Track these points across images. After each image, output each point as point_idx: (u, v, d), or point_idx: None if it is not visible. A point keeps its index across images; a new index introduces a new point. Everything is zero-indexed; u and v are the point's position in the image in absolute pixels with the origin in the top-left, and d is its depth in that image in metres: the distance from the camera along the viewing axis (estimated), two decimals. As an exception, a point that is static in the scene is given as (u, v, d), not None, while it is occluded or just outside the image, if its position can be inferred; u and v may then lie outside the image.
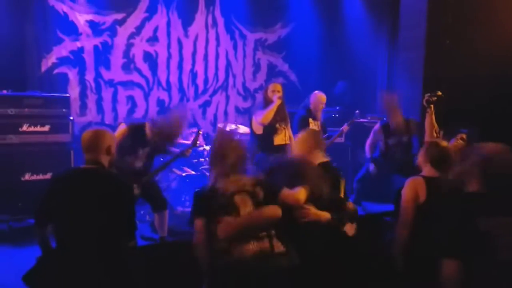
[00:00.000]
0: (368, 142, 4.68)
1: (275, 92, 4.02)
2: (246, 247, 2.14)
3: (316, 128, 4.64)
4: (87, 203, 2.07)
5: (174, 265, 2.98)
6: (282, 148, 4.08)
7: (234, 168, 2.30)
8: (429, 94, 3.43)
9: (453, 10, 5.02)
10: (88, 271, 2.03)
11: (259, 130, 4.06)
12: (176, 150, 3.60)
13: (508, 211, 1.93)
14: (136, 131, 3.31)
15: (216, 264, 2.18)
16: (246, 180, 2.32)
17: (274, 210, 2.25)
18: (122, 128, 3.34)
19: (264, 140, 4.06)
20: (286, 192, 2.36)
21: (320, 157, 2.77)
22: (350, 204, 2.79)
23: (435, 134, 3.41)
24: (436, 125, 3.46)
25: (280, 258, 2.18)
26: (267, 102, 4.05)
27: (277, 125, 4.06)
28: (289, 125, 4.22)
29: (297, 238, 2.37)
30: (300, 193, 2.36)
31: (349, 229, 2.75)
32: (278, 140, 4.08)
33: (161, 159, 3.80)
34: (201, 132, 3.66)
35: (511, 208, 1.95)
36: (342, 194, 2.73)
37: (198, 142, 3.64)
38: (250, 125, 4.18)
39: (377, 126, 4.65)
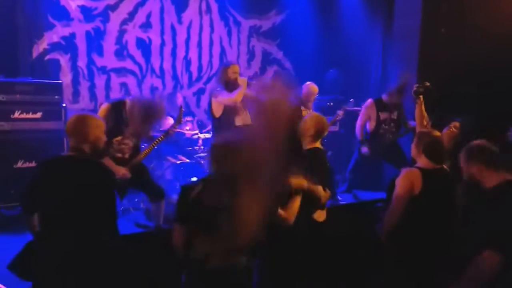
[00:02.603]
0: (359, 122, 4.72)
1: (237, 73, 3.97)
2: (222, 260, 2.00)
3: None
4: (67, 191, 2.04)
5: (169, 252, 2.99)
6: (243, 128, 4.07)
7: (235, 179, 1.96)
8: (417, 85, 3.48)
9: (449, -2, 5.02)
10: (70, 259, 2.02)
11: (218, 112, 4.01)
12: (157, 135, 3.56)
13: None
14: (117, 108, 3.27)
15: (193, 265, 2.08)
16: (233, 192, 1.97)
17: (256, 234, 1.99)
18: (103, 107, 3.29)
19: (224, 121, 4.03)
20: (281, 213, 2.14)
21: (315, 143, 2.78)
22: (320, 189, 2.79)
23: (425, 123, 3.44)
24: (426, 115, 3.49)
25: (250, 273, 2.11)
26: (228, 83, 3.95)
27: (238, 104, 4.02)
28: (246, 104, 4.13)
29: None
30: (293, 212, 2.20)
31: (318, 214, 2.77)
32: (239, 121, 4.06)
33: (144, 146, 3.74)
34: (183, 110, 3.62)
35: None
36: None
37: (182, 120, 3.61)
38: (209, 107, 4.10)
39: (368, 102, 4.69)
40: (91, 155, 2.16)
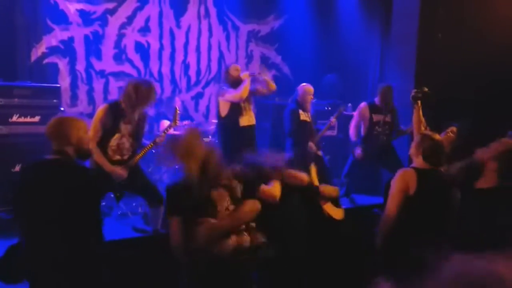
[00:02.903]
0: (353, 124, 4.76)
1: (239, 71, 4.20)
2: (226, 242, 2.11)
3: (307, 119, 4.67)
4: (48, 195, 2.00)
5: (167, 257, 2.98)
6: (248, 129, 4.14)
7: (207, 163, 2.20)
8: (415, 90, 3.49)
9: (445, 3, 5.05)
10: (54, 264, 2.00)
11: (224, 111, 4.13)
12: (147, 142, 3.58)
13: None
14: (114, 107, 3.29)
15: (196, 260, 2.14)
16: (222, 173, 2.24)
17: (253, 205, 2.23)
18: (100, 108, 3.31)
19: (229, 122, 4.12)
20: (263, 188, 2.41)
21: None
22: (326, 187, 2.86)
23: (423, 128, 3.45)
24: (423, 120, 3.50)
25: (260, 250, 2.19)
26: (233, 82, 4.17)
27: (242, 105, 4.14)
28: (251, 105, 4.30)
29: (277, 225, 2.41)
30: (276, 189, 2.44)
31: (334, 211, 2.82)
32: (243, 121, 4.13)
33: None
34: (178, 111, 3.65)
35: None
36: (315, 181, 2.84)
37: (177, 122, 3.63)
38: (217, 108, 4.25)
39: (362, 104, 4.73)
40: (75, 158, 2.11)
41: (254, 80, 4.25)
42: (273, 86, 4.36)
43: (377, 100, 4.68)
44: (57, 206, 1.99)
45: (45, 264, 2.01)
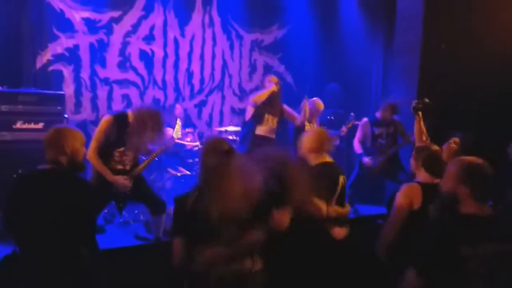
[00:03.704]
0: (356, 138, 4.81)
1: (272, 81, 4.27)
2: (227, 267, 2.05)
3: (311, 130, 4.69)
4: (40, 205, 1.99)
5: (169, 265, 2.97)
6: (264, 139, 4.14)
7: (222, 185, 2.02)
8: (416, 101, 3.50)
9: (449, 15, 5.07)
10: (44, 275, 1.98)
11: (248, 115, 4.21)
12: (155, 148, 3.57)
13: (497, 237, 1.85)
14: (119, 120, 3.26)
15: (196, 281, 2.09)
16: (232, 197, 2.00)
17: (258, 237, 2.08)
18: (105, 118, 3.26)
19: (248, 127, 4.14)
20: (276, 215, 2.16)
21: (320, 158, 2.76)
22: (341, 208, 2.79)
23: (424, 139, 3.45)
24: (425, 130, 3.50)
25: (259, 276, 2.11)
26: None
27: (266, 115, 4.17)
28: (276, 119, 4.33)
29: (281, 247, 2.26)
30: (286, 219, 2.20)
31: (338, 232, 2.75)
32: (260, 130, 4.13)
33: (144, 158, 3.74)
34: (180, 123, 3.65)
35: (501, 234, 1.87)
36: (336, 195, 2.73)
37: (179, 133, 3.63)
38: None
39: (363, 120, 4.80)
40: (69, 168, 2.10)
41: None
42: (297, 120, 4.46)
43: (378, 114, 4.73)
44: (49, 216, 1.98)
45: (40, 273, 2.00)
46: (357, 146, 4.78)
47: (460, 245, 1.80)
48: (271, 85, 4.19)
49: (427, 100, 3.45)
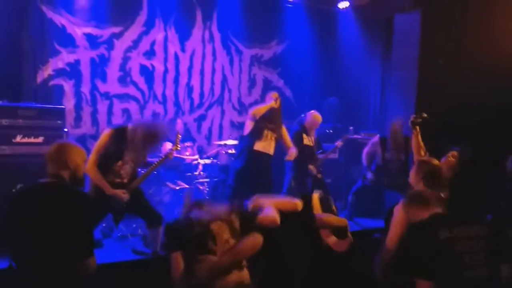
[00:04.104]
0: (365, 151, 4.76)
1: (272, 97, 4.26)
2: (227, 279, 2.07)
3: (310, 143, 4.71)
4: (41, 218, 1.99)
5: (167, 279, 2.95)
6: (261, 155, 4.11)
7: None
8: (414, 115, 3.50)
9: (446, 30, 5.14)
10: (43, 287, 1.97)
11: (247, 129, 4.16)
12: (154, 160, 3.58)
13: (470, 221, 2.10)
14: (119, 134, 3.27)
15: None
16: (220, 208, 2.22)
17: (255, 239, 2.16)
18: (106, 132, 3.28)
19: (246, 142, 4.11)
20: (261, 217, 2.29)
21: None
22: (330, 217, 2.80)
23: (422, 153, 3.45)
24: (423, 145, 3.50)
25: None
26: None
27: (265, 131, 4.13)
28: (275, 135, 4.25)
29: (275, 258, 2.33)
30: (275, 214, 2.32)
31: (338, 245, 2.74)
32: (259, 145, 4.11)
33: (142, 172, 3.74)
34: (180, 136, 3.66)
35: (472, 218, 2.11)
36: (317, 209, 2.75)
37: (179, 146, 3.63)
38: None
39: (375, 138, 4.74)
40: (70, 182, 2.13)
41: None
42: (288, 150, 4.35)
43: (388, 136, 4.61)
44: (49, 229, 1.98)
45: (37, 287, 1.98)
46: (365, 160, 4.71)
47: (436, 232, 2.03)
48: (271, 101, 4.19)
49: (425, 115, 3.46)
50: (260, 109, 4.15)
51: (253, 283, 2.17)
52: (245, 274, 2.13)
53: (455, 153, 3.36)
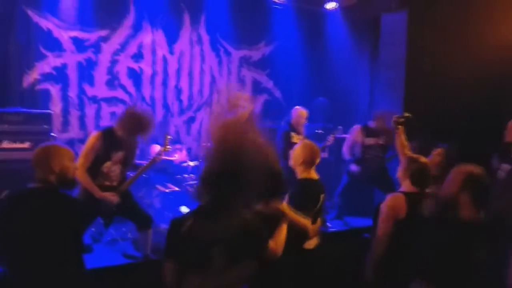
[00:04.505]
0: (345, 145, 4.83)
1: (239, 99, 4.10)
2: None
3: (299, 141, 4.71)
4: (29, 224, 1.96)
5: (158, 283, 2.94)
6: None
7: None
8: (396, 115, 3.54)
9: (432, 29, 5.19)
10: None
11: None
12: (143, 162, 3.57)
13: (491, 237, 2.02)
14: (107, 135, 3.28)
15: None
16: (227, 224, 1.91)
17: (247, 270, 1.96)
18: (93, 134, 3.29)
19: None
20: (271, 245, 2.04)
21: (307, 172, 2.72)
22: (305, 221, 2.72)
23: (406, 151, 3.48)
24: (407, 144, 3.54)
25: None
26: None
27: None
28: None
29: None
30: (280, 243, 2.12)
31: (309, 243, 2.71)
32: None
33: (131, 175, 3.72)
34: (169, 137, 3.65)
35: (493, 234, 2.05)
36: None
37: (168, 147, 3.62)
38: None
39: (356, 127, 4.81)
40: (59, 186, 2.09)
41: None
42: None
43: (371, 123, 4.73)
44: (38, 235, 1.96)
45: None
46: (346, 152, 4.79)
47: (467, 250, 1.93)
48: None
49: (407, 114, 3.51)
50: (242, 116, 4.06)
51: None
52: None
53: (440, 150, 3.39)
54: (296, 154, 2.76)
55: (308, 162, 2.71)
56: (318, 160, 2.78)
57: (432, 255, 2.01)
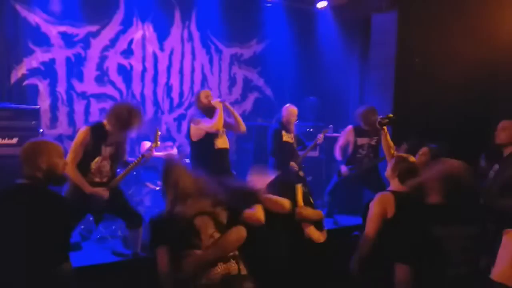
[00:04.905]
0: (337, 145, 4.84)
1: (209, 97, 4.04)
2: (213, 271, 2.11)
3: (290, 140, 4.73)
4: (16, 221, 1.94)
5: (147, 281, 2.92)
6: (224, 151, 4.09)
7: (189, 193, 2.23)
8: (380, 116, 3.57)
9: (422, 29, 5.24)
10: None
11: (198, 136, 4.00)
12: (133, 159, 3.54)
13: (464, 221, 2.19)
14: (96, 130, 3.25)
15: None
16: (205, 201, 2.24)
17: (239, 233, 2.22)
18: (82, 130, 3.25)
19: (204, 145, 4.03)
20: (247, 212, 2.38)
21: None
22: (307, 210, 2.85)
23: (392, 152, 3.52)
24: (392, 144, 3.58)
25: (246, 281, 2.17)
26: (205, 109, 4.01)
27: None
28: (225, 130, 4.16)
29: (258, 251, 2.39)
30: (260, 212, 2.42)
31: (316, 235, 2.79)
32: (219, 143, 4.08)
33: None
34: (159, 132, 3.62)
35: (467, 219, 2.21)
36: (300, 200, 2.80)
37: (158, 143, 3.59)
38: (187, 133, 4.12)
39: (348, 127, 4.82)
40: (47, 182, 2.06)
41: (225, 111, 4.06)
42: (243, 128, 4.19)
43: (361, 123, 4.75)
44: (24, 233, 1.93)
45: None
46: (337, 153, 4.80)
47: (433, 227, 2.09)
48: (216, 103, 3.94)
49: (391, 115, 3.54)
50: (221, 120, 3.94)
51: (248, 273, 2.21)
52: (231, 265, 2.16)
53: (425, 150, 3.41)
54: None
55: None
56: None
57: (406, 238, 2.16)
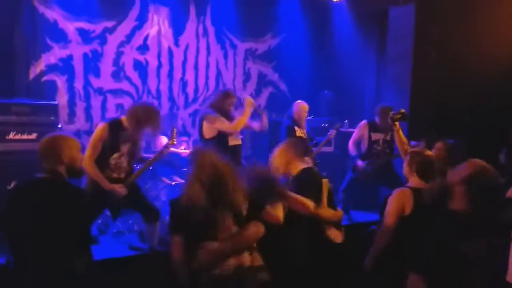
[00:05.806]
0: (351, 140, 4.78)
1: (232, 106, 4.06)
2: (227, 263, 2.11)
3: (302, 135, 4.71)
4: (37, 214, 1.97)
5: (164, 275, 2.95)
6: (237, 148, 4.09)
7: (213, 180, 2.17)
8: (392, 112, 3.52)
9: (440, 22, 5.14)
10: (39, 285, 1.96)
11: (212, 134, 3.98)
12: (150, 156, 3.57)
13: (490, 233, 1.98)
14: (115, 126, 3.29)
15: (196, 280, 2.12)
16: (226, 192, 2.16)
17: (257, 229, 2.19)
18: (101, 126, 3.28)
19: (217, 143, 4.01)
20: (268, 211, 2.32)
21: (300, 165, 2.79)
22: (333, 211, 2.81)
23: (406, 147, 3.47)
24: (405, 140, 3.53)
25: (260, 272, 2.16)
26: (222, 110, 3.99)
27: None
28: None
29: (277, 248, 2.37)
30: (280, 212, 2.37)
31: (335, 235, 2.78)
32: (232, 140, 4.07)
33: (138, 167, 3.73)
34: (176, 130, 3.64)
35: (492, 229, 2.01)
36: (325, 198, 2.76)
37: (175, 140, 3.61)
38: (200, 130, 4.08)
39: (363, 122, 4.76)
40: (67, 177, 2.10)
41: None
42: (266, 129, 4.23)
43: (377, 119, 4.71)
44: (46, 225, 1.97)
45: (35, 283, 1.97)
46: (351, 148, 4.75)
47: (458, 242, 1.90)
48: (247, 111, 3.97)
49: (403, 110, 3.49)
50: (240, 126, 3.98)
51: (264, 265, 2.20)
52: (245, 258, 2.15)
53: (440, 145, 3.32)
54: (276, 159, 2.87)
55: (295, 157, 2.85)
56: (302, 150, 2.93)
57: (423, 247, 2.01)
